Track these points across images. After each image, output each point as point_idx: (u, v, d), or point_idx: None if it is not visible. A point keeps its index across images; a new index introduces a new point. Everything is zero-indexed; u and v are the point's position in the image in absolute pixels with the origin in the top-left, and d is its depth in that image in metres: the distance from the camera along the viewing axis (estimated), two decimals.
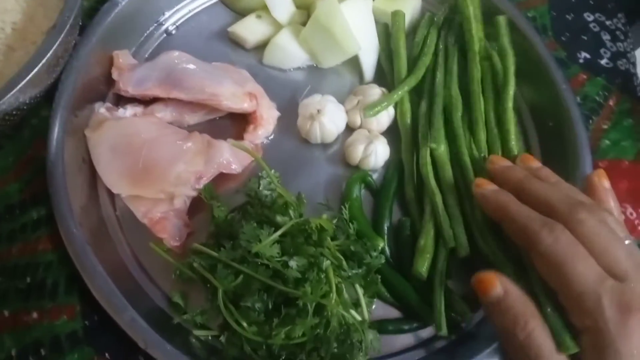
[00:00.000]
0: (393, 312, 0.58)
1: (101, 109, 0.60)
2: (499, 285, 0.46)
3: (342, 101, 0.66)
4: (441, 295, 0.55)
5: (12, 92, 0.47)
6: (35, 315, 0.51)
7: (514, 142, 0.62)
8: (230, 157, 0.60)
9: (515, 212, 0.48)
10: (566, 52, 0.75)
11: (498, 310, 0.46)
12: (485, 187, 0.53)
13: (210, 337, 0.53)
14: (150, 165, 0.56)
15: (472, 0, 0.68)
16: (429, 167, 0.61)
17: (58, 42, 0.50)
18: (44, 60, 0.49)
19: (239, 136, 0.64)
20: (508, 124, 0.62)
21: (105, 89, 0.64)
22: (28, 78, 0.48)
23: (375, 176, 0.65)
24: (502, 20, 0.68)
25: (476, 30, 0.67)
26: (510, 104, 0.63)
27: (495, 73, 0.65)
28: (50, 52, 0.49)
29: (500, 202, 0.50)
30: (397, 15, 0.69)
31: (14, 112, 0.52)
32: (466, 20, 0.67)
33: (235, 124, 0.66)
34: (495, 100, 0.64)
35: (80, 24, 0.60)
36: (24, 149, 0.60)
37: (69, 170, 0.55)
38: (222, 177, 0.61)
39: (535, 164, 0.57)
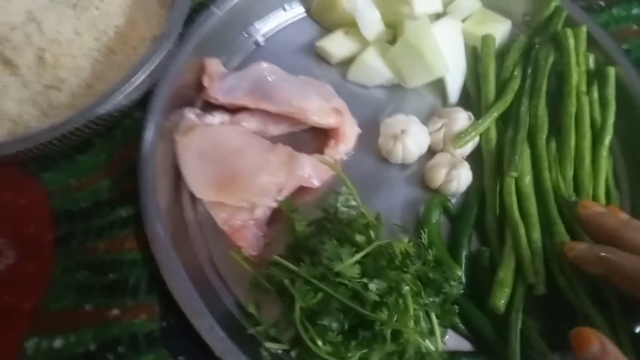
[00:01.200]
0: (465, 344, 0.56)
1: (190, 114, 0.62)
2: (597, 342, 0.44)
3: (423, 122, 0.65)
4: (517, 332, 0.53)
5: (119, 95, 0.49)
6: (116, 312, 0.52)
7: (602, 192, 0.60)
8: (311, 171, 0.60)
9: (621, 261, 0.47)
10: None
11: None
12: (577, 247, 0.53)
13: (280, 351, 0.53)
14: (235, 173, 0.57)
15: (574, 32, 0.66)
16: (514, 198, 0.59)
17: (165, 51, 0.52)
18: (152, 67, 0.51)
19: (319, 150, 0.64)
20: (600, 173, 0.60)
21: (195, 95, 0.66)
22: (134, 83, 0.50)
23: (453, 201, 0.63)
24: (611, 71, 0.65)
25: (575, 64, 0.64)
26: (605, 153, 0.62)
27: (594, 120, 0.64)
28: (157, 59, 0.51)
29: (601, 256, 0.50)
30: (487, 39, 0.68)
31: (115, 114, 0.55)
32: (566, 52, 0.65)
33: (316, 137, 0.66)
34: (589, 139, 0.62)
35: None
36: (115, 148, 0.62)
37: (158, 172, 0.56)
38: (299, 190, 0.61)
39: (624, 215, 0.55)
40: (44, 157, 0.60)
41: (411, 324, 0.49)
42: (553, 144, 0.63)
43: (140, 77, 0.51)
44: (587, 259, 0.51)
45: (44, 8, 0.65)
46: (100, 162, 0.61)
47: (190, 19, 0.66)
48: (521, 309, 0.54)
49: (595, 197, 0.60)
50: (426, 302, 0.52)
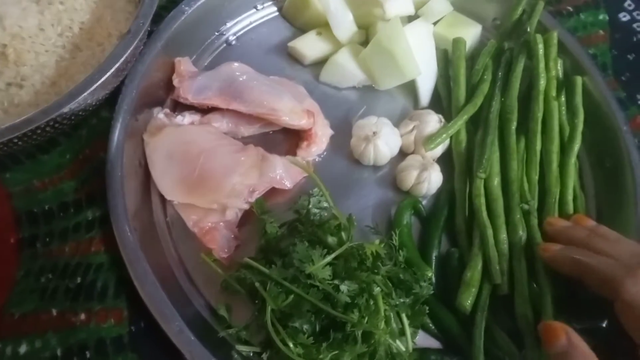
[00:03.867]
0: (434, 342, 0.57)
1: (160, 114, 0.60)
2: (564, 337, 0.45)
3: (395, 124, 0.66)
4: (481, 331, 0.54)
5: (85, 94, 0.48)
6: (82, 316, 0.51)
7: (570, 198, 0.61)
8: (283, 173, 0.60)
9: (594, 263, 0.49)
10: (625, 92, 0.73)
11: None
12: (552, 249, 0.54)
13: (252, 354, 0.53)
14: (206, 175, 0.56)
15: (544, 38, 0.67)
16: (482, 199, 0.60)
17: (132, 48, 0.50)
18: (117, 64, 0.49)
19: (291, 151, 0.64)
20: (568, 179, 0.62)
21: (164, 95, 0.65)
22: (101, 81, 0.48)
23: (424, 202, 0.64)
24: (579, 80, 0.67)
25: (544, 69, 0.66)
26: (573, 160, 0.63)
27: (563, 126, 0.65)
28: (124, 56, 0.50)
29: (575, 258, 0.51)
30: (458, 42, 0.69)
31: (80, 113, 0.53)
32: (535, 57, 0.66)
33: (288, 138, 0.66)
34: (556, 144, 0.64)
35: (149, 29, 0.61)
36: (81, 148, 0.60)
37: (126, 173, 0.55)
38: (270, 192, 0.61)
39: (591, 223, 0.58)
40: (5, 156, 0.58)
41: (382, 324, 0.50)
42: (522, 147, 0.64)
43: (107, 75, 0.50)
44: (561, 260, 0.53)
45: (7, 2, 0.63)
46: (64, 161, 0.60)
47: (160, 16, 0.65)
48: (486, 309, 0.55)
49: (561, 200, 0.61)
50: (397, 302, 0.52)
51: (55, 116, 0.49)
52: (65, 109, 0.50)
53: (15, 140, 0.51)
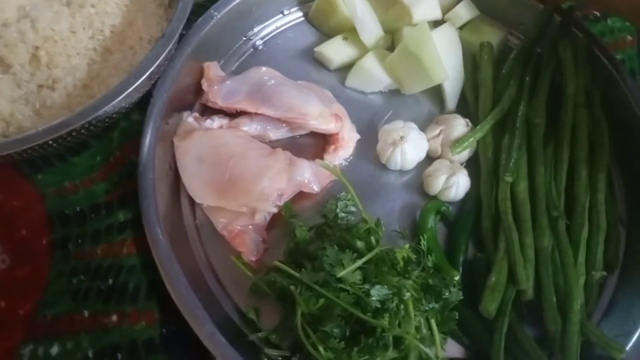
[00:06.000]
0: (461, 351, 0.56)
1: (189, 118, 0.61)
2: None
3: (421, 128, 0.66)
4: (501, 336, 0.54)
5: (120, 97, 0.48)
6: (114, 318, 0.52)
7: (601, 206, 0.61)
8: (311, 177, 0.60)
9: None
10: None
11: None
12: None
13: (280, 358, 0.53)
14: (236, 178, 0.56)
15: (572, 45, 0.67)
16: (508, 203, 0.60)
17: (166, 52, 0.51)
18: (152, 68, 0.50)
19: (318, 155, 0.64)
20: (598, 187, 0.61)
21: (193, 99, 0.66)
22: (136, 85, 0.49)
23: (450, 208, 0.63)
24: (596, 93, 0.66)
25: (573, 76, 0.65)
26: (602, 175, 0.62)
27: (591, 133, 0.65)
28: (159, 60, 0.50)
29: None
30: (485, 46, 0.69)
31: (114, 115, 0.54)
32: (563, 63, 0.66)
33: (315, 143, 0.66)
34: (585, 152, 0.63)
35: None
36: (112, 150, 0.61)
37: (157, 176, 0.56)
38: (298, 195, 0.61)
39: None
40: (38, 158, 0.58)
41: (412, 330, 0.49)
42: (550, 153, 0.64)
43: (142, 79, 0.50)
44: None
45: (39, 5, 0.64)
46: (95, 164, 0.60)
47: (189, 20, 0.65)
48: (508, 313, 0.55)
49: (591, 208, 0.61)
50: (426, 308, 0.52)
51: (91, 119, 0.50)
52: (100, 112, 0.51)
53: (51, 142, 0.52)
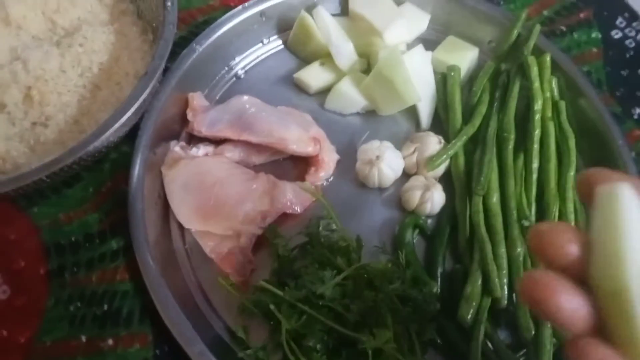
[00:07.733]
0: None
1: (176, 147, 0.64)
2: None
3: (398, 146, 0.69)
4: (478, 344, 0.56)
5: (107, 132, 0.52)
6: (110, 342, 0.54)
7: (570, 212, 0.63)
8: (293, 198, 0.63)
9: None
10: (621, 107, 0.76)
11: None
12: None
13: None
14: (220, 203, 0.59)
15: (538, 60, 0.70)
16: (481, 215, 0.63)
17: (150, 88, 0.54)
18: (137, 104, 0.53)
19: (300, 177, 0.67)
20: (566, 195, 0.64)
21: (179, 128, 0.69)
22: (122, 120, 0.52)
23: (429, 222, 0.66)
24: (562, 105, 0.69)
25: (540, 90, 0.68)
26: (570, 184, 0.65)
27: (559, 144, 0.68)
28: (143, 96, 0.54)
29: None
30: (452, 69, 0.72)
31: (103, 149, 0.57)
32: (529, 79, 0.69)
33: (297, 165, 0.69)
34: (554, 163, 0.66)
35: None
36: (103, 181, 0.64)
37: (146, 205, 0.59)
38: (281, 217, 0.64)
39: None
40: (33, 192, 0.61)
41: (391, 341, 0.52)
42: (520, 165, 0.67)
43: (128, 114, 0.54)
44: None
45: (29, 46, 0.67)
46: (87, 195, 0.63)
47: (173, 53, 0.69)
48: (483, 321, 0.57)
49: (560, 216, 0.63)
50: (405, 319, 0.55)
51: (81, 154, 0.53)
52: (90, 148, 0.54)
53: (44, 178, 0.55)
